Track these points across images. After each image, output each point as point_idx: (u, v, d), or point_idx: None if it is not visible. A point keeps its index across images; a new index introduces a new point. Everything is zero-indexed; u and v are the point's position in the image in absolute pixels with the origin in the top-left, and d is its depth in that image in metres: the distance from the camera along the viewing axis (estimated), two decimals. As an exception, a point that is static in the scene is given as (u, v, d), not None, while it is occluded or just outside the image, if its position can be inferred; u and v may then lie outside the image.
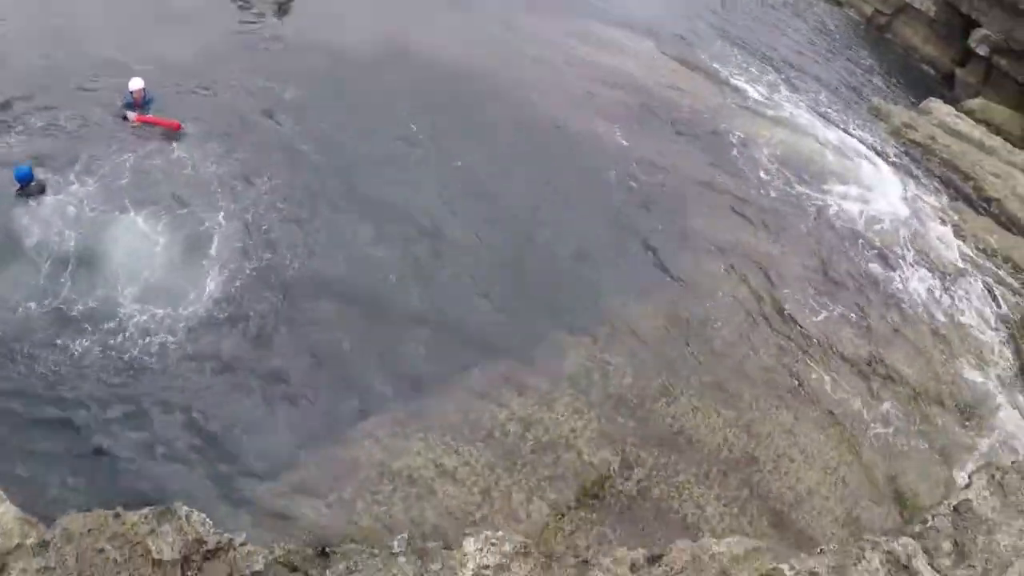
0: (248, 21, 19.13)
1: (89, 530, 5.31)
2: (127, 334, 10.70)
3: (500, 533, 5.97)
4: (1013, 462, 7.31)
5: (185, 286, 11.52)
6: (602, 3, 29.40)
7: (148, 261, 11.86)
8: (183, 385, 10.31)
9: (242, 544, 5.59)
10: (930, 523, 6.17)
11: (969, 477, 7.77)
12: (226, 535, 5.64)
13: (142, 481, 9.09)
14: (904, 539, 5.91)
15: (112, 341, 10.61)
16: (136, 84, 14.62)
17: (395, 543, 5.75)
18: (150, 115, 14.57)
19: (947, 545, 6.16)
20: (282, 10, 20.12)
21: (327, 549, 5.73)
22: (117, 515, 5.48)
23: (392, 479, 9.60)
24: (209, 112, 15.32)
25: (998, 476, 6.91)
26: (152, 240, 12.20)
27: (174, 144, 14.24)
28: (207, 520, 5.67)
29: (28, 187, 12.22)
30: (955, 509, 6.45)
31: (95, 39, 16.80)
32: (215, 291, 11.52)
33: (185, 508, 5.69)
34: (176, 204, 12.95)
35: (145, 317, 10.96)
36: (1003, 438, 13.79)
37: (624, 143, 18.15)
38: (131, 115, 14.43)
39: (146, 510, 5.60)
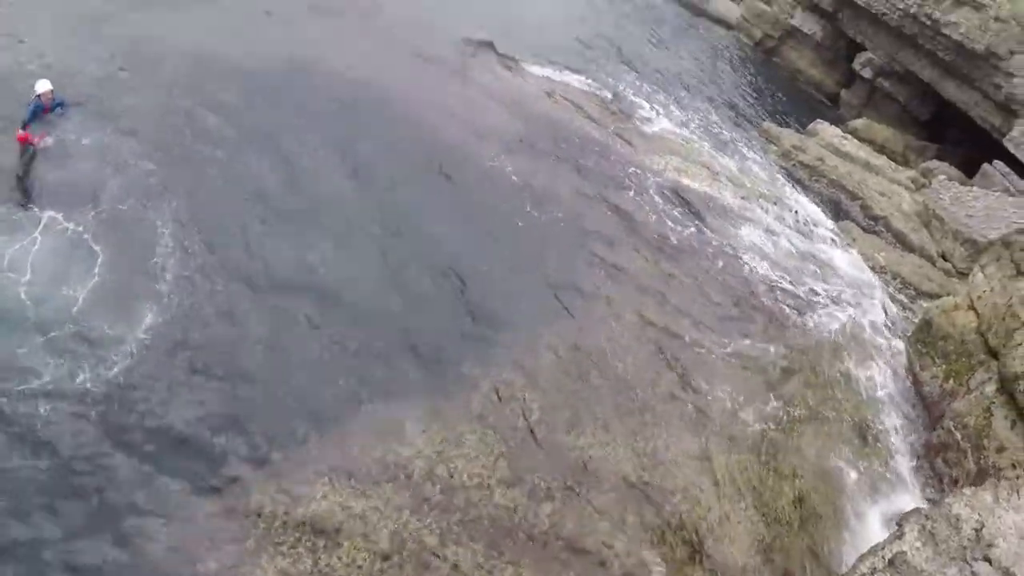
0: (158, 33, 18.12)
1: None
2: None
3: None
4: (938, 507, 7.43)
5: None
6: (503, 27, 29.58)
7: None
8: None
9: None
10: (871, 581, 6.18)
11: (899, 526, 7.91)
12: None
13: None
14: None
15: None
16: (43, 86, 13.22)
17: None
18: (30, 132, 13.00)
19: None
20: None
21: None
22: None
23: (297, 527, 9.16)
24: (114, 119, 14.48)
25: (928, 525, 7.00)
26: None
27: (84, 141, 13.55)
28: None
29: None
30: (891, 563, 6.49)
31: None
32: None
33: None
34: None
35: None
36: (895, 457, 14.25)
37: (521, 173, 18.08)
38: (20, 132, 12.89)
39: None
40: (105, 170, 13.12)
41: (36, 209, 12.04)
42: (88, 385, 9.90)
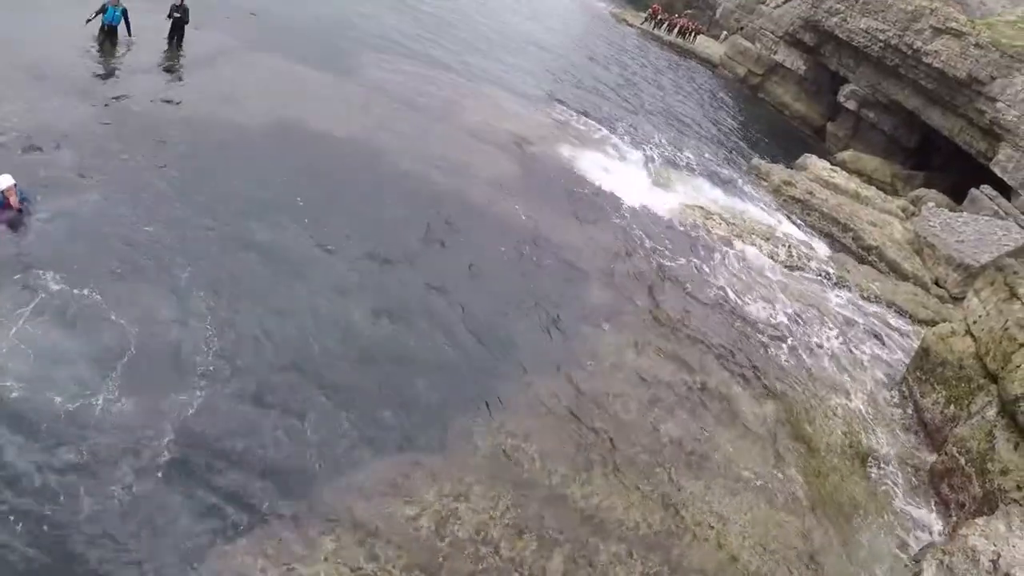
0: (131, 93, 18.26)
1: None
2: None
3: None
4: (954, 540, 7.51)
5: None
6: (492, 68, 30.20)
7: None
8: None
9: None
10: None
11: (917, 562, 7.95)
12: None
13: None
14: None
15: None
16: (5, 182, 12.02)
17: None
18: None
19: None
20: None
21: None
22: None
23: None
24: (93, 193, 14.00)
25: (946, 560, 7.08)
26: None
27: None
28: None
29: None
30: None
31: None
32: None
33: None
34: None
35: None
36: (902, 481, 14.27)
37: (519, 216, 18.38)
38: None
39: None
40: (105, 237, 12.92)
41: (35, 272, 11.48)
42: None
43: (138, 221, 13.56)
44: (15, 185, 12.20)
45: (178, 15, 21.04)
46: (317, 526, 9.70)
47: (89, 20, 19.36)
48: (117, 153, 15.36)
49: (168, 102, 18.28)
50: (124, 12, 19.77)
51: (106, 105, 17.17)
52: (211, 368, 11.22)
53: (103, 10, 19.42)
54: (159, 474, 9.61)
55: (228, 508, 9.52)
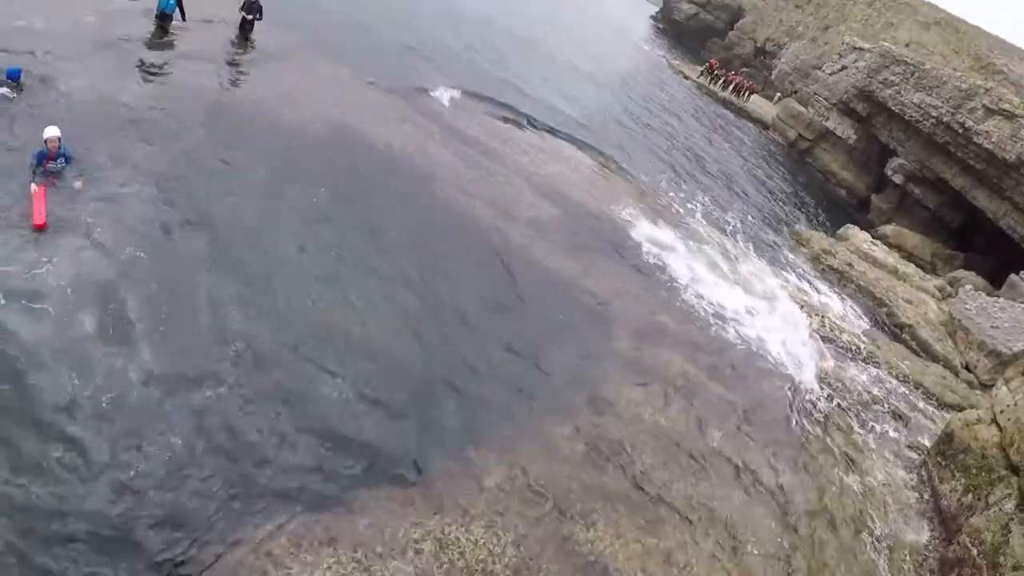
0: (186, 80, 18.66)
1: None
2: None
3: None
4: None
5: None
6: (547, 112, 30.43)
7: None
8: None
9: None
10: None
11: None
12: None
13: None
14: None
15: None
16: (51, 132, 12.63)
17: None
18: (43, 194, 12.09)
19: None
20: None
21: None
22: None
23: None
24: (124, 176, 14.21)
25: None
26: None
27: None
28: None
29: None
30: None
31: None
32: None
33: None
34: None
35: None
36: (910, 567, 14.05)
37: (550, 259, 18.40)
38: (34, 185, 12.13)
39: None
40: (149, 209, 13.37)
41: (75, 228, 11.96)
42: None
43: (182, 199, 14.00)
44: (59, 139, 12.79)
45: (250, 16, 21.47)
46: (318, 539, 9.74)
47: None
48: (167, 134, 15.83)
49: (225, 93, 18.69)
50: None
51: (159, 87, 17.67)
52: (231, 368, 11.45)
53: None
54: (163, 471, 9.71)
55: (230, 516, 9.60)
